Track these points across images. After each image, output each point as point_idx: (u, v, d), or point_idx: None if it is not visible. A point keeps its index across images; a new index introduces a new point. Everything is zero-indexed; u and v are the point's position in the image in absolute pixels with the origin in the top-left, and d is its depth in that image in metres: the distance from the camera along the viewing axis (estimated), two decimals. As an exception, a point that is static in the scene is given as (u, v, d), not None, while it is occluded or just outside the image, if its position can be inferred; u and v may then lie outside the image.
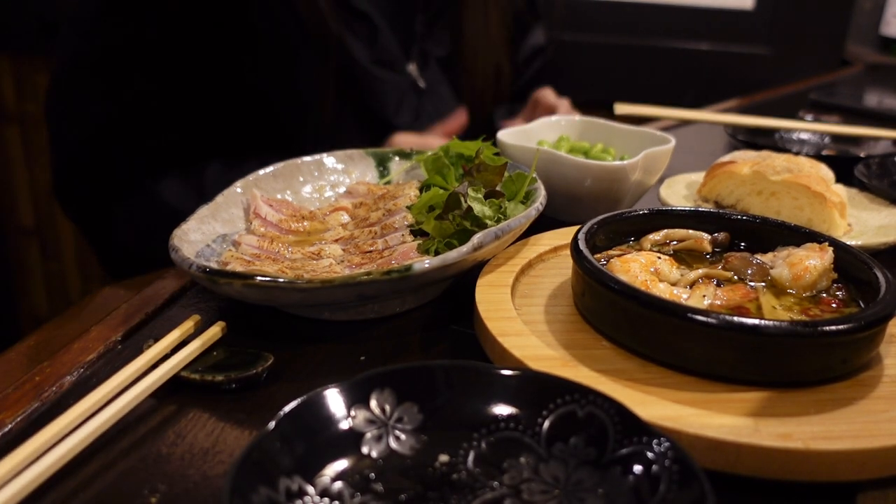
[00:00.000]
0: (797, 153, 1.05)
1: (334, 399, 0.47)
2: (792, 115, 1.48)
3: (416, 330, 0.65)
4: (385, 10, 1.29)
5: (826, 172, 0.89)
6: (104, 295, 0.80)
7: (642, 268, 0.62)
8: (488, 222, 0.66)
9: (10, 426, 0.51)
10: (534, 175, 0.77)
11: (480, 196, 0.68)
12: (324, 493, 0.43)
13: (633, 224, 0.70)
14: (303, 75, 1.24)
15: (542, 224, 0.79)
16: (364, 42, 1.27)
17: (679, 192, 0.95)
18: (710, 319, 0.51)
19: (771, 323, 0.50)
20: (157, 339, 0.59)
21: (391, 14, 1.32)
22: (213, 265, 0.65)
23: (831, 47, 2.17)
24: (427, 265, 0.59)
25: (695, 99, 1.85)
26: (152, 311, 0.66)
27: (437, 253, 0.66)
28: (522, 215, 0.67)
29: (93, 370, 0.58)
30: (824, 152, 1.17)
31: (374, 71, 1.28)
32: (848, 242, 0.81)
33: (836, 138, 1.24)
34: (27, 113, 2.62)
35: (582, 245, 0.62)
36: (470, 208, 0.66)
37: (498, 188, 0.73)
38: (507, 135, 0.92)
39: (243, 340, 0.62)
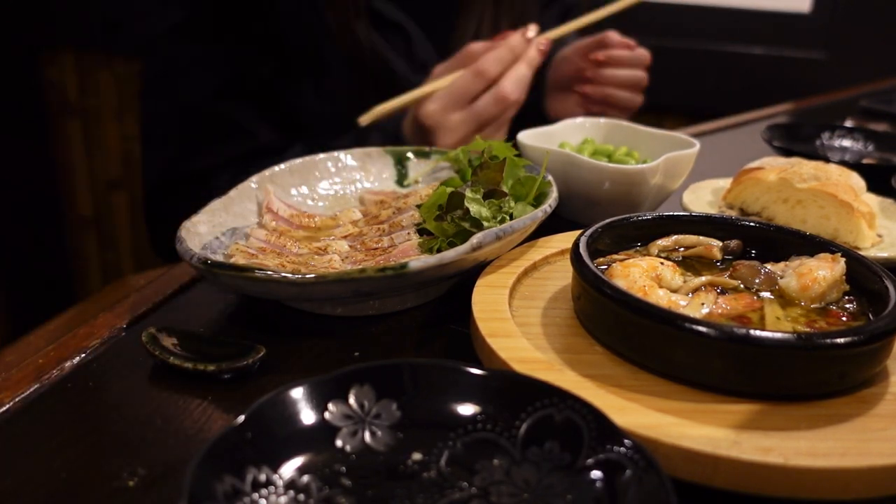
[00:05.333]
0: (839, 161, 1.01)
1: (312, 392, 0.48)
2: (840, 120, 1.43)
3: (414, 328, 0.66)
4: (419, 18, 1.29)
5: (857, 181, 0.86)
6: (127, 283, 0.83)
7: (643, 273, 0.61)
8: (486, 224, 0.66)
9: (7, 405, 0.53)
10: (545, 177, 0.76)
11: (479, 197, 0.68)
12: (290, 484, 0.44)
13: (639, 228, 0.68)
14: (337, 86, 1.26)
15: (559, 226, 0.78)
16: (401, 52, 1.28)
17: (704, 198, 0.93)
18: (695, 327, 0.49)
19: (759, 333, 0.49)
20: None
21: (425, 22, 1.32)
22: (219, 257, 0.67)
23: (890, 53, 2.09)
24: (422, 263, 0.59)
25: (746, 103, 1.80)
26: (160, 301, 0.68)
27: (438, 252, 0.66)
28: (528, 217, 0.67)
29: (94, 355, 0.59)
30: (865, 160, 1.13)
31: (412, 79, 1.28)
32: (876, 254, 0.78)
33: (881, 147, 1.20)
34: (89, 107, 2.71)
35: (582, 248, 0.61)
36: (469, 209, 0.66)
37: (504, 188, 0.72)
38: (527, 136, 0.92)
39: (242, 332, 0.64)
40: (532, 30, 1.06)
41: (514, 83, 0.99)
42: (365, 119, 1.03)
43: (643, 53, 1.27)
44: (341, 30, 1.19)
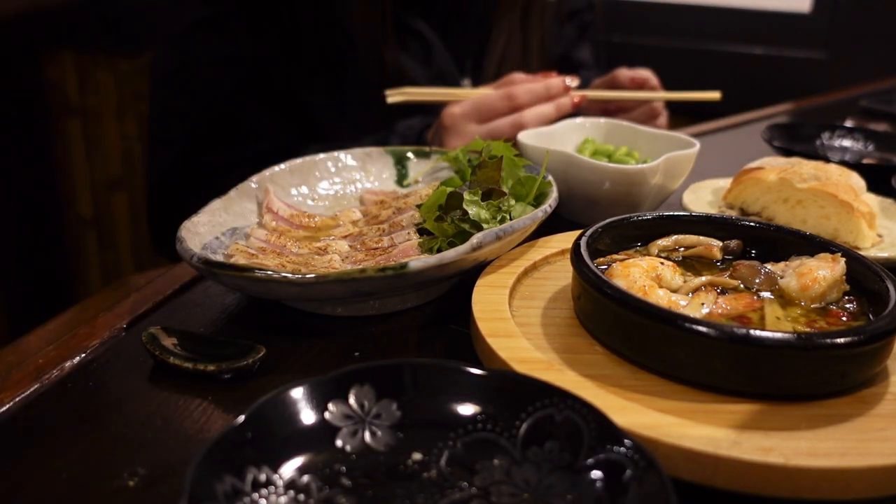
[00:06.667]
0: (839, 161, 1.01)
1: (312, 392, 0.48)
2: (840, 120, 1.43)
3: (414, 328, 0.66)
4: (439, 28, 1.29)
5: (857, 181, 0.86)
6: (127, 283, 0.83)
7: (643, 273, 0.61)
8: (485, 225, 0.66)
9: (8, 405, 0.53)
10: (545, 177, 0.76)
11: (477, 199, 0.68)
12: (290, 484, 0.44)
13: (640, 228, 0.68)
14: (353, 93, 1.26)
15: (559, 226, 0.78)
16: (419, 59, 1.28)
17: (704, 198, 0.93)
18: (695, 327, 0.49)
19: (759, 333, 0.49)
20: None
21: (444, 32, 1.32)
22: (220, 257, 0.67)
23: (891, 53, 2.09)
24: (423, 263, 0.59)
25: (746, 103, 1.80)
26: (160, 301, 0.68)
27: (438, 252, 0.66)
28: (528, 217, 0.67)
29: (94, 355, 0.59)
30: (865, 160, 1.13)
31: (428, 86, 1.29)
32: (876, 254, 0.78)
33: (881, 147, 1.20)
34: (89, 107, 2.71)
35: (582, 248, 0.61)
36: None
37: (504, 188, 0.72)
38: (527, 136, 0.92)
39: (242, 332, 0.64)
40: (574, 80, 1.09)
41: (535, 117, 1.02)
42: (392, 97, 1.04)
43: (651, 86, 1.28)
44: (367, 51, 1.20)
